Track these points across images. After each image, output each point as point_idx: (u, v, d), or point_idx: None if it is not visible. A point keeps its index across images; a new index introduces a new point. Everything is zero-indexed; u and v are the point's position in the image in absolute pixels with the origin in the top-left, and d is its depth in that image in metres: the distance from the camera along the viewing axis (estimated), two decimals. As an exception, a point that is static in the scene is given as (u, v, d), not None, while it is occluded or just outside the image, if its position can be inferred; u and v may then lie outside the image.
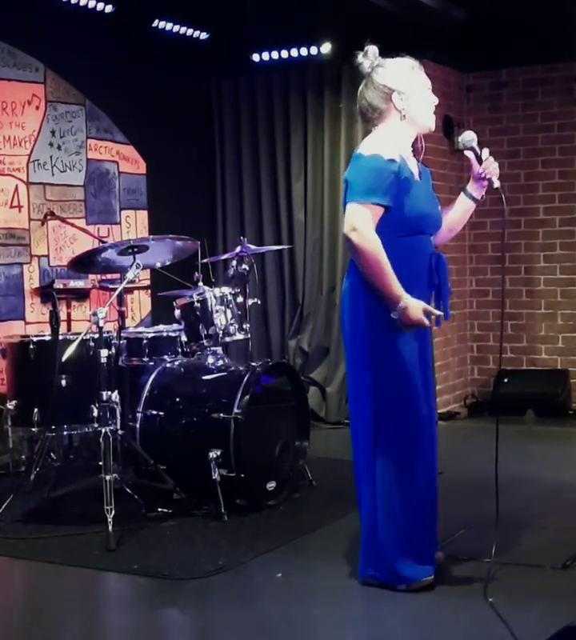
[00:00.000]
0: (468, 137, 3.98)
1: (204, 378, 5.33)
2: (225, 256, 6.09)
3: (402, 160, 3.79)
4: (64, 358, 4.86)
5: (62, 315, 6.20)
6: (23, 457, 5.78)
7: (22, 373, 5.27)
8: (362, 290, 3.76)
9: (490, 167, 3.95)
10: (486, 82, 8.01)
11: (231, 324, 5.38)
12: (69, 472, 5.44)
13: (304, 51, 7.62)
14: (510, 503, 5.06)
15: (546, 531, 4.54)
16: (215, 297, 5.37)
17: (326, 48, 7.45)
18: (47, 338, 5.27)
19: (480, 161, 3.96)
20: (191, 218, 7.53)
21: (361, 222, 3.68)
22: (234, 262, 5.58)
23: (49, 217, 6.61)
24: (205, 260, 5.83)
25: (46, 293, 6.41)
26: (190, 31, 7.41)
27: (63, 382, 5.06)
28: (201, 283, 5.52)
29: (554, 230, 7.83)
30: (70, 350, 4.81)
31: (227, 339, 5.40)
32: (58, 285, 6.47)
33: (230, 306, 5.40)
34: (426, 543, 3.84)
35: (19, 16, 6.31)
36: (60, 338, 5.17)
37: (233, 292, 5.43)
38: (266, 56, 7.74)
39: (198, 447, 4.96)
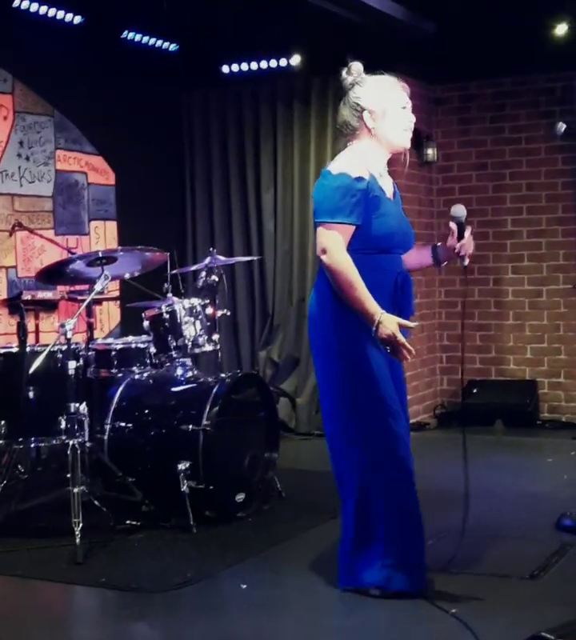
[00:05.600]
0: (460, 211, 3.92)
1: (173, 389, 5.31)
2: (194, 267, 6.09)
3: (372, 178, 3.79)
4: (32, 370, 4.83)
5: (30, 327, 6.16)
6: (-10, 469, 5.73)
7: (-11, 385, 5.23)
8: (328, 300, 3.77)
9: (467, 246, 3.92)
10: (455, 94, 8.06)
11: (200, 335, 5.37)
12: (36, 484, 5.39)
13: (274, 63, 7.64)
14: (478, 513, 5.10)
15: (514, 541, 4.57)
16: (184, 308, 5.36)
17: (296, 60, 7.47)
18: (15, 349, 5.22)
19: (461, 237, 3.92)
20: (160, 228, 7.51)
21: (330, 243, 3.70)
22: (204, 273, 5.58)
23: (17, 228, 6.56)
24: (174, 271, 5.82)
25: (14, 304, 6.36)
26: (159, 42, 7.40)
27: (31, 394, 5.02)
28: (170, 294, 5.52)
29: (522, 241, 7.88)
30: (37, 362, 4.78)
31: (196, 350, 5.40)
32: (26, 296, 6.43)
33: (199, 317, 5.39)
34: (408, 549, 3.77)
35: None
36: (28, 349, 5.13)
37: (202, 303, 5.43)
38: (235, 67, 7.75)
39: (167, 459, 4.94)
